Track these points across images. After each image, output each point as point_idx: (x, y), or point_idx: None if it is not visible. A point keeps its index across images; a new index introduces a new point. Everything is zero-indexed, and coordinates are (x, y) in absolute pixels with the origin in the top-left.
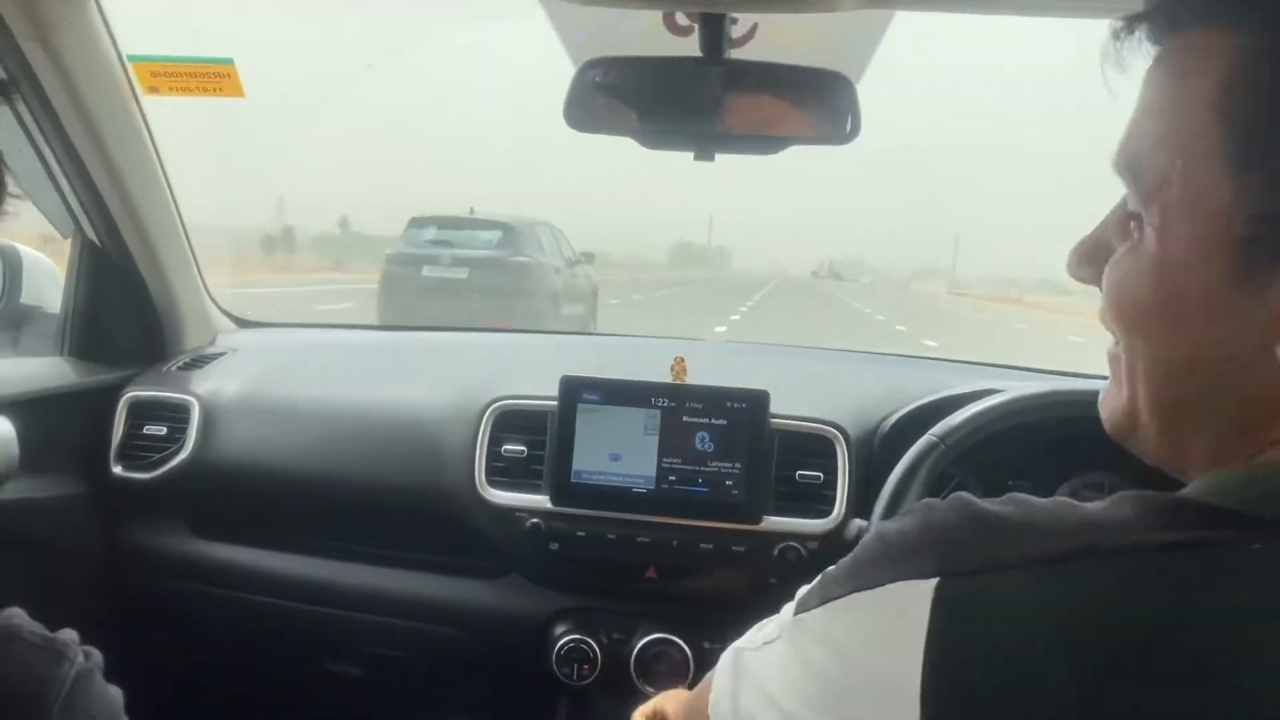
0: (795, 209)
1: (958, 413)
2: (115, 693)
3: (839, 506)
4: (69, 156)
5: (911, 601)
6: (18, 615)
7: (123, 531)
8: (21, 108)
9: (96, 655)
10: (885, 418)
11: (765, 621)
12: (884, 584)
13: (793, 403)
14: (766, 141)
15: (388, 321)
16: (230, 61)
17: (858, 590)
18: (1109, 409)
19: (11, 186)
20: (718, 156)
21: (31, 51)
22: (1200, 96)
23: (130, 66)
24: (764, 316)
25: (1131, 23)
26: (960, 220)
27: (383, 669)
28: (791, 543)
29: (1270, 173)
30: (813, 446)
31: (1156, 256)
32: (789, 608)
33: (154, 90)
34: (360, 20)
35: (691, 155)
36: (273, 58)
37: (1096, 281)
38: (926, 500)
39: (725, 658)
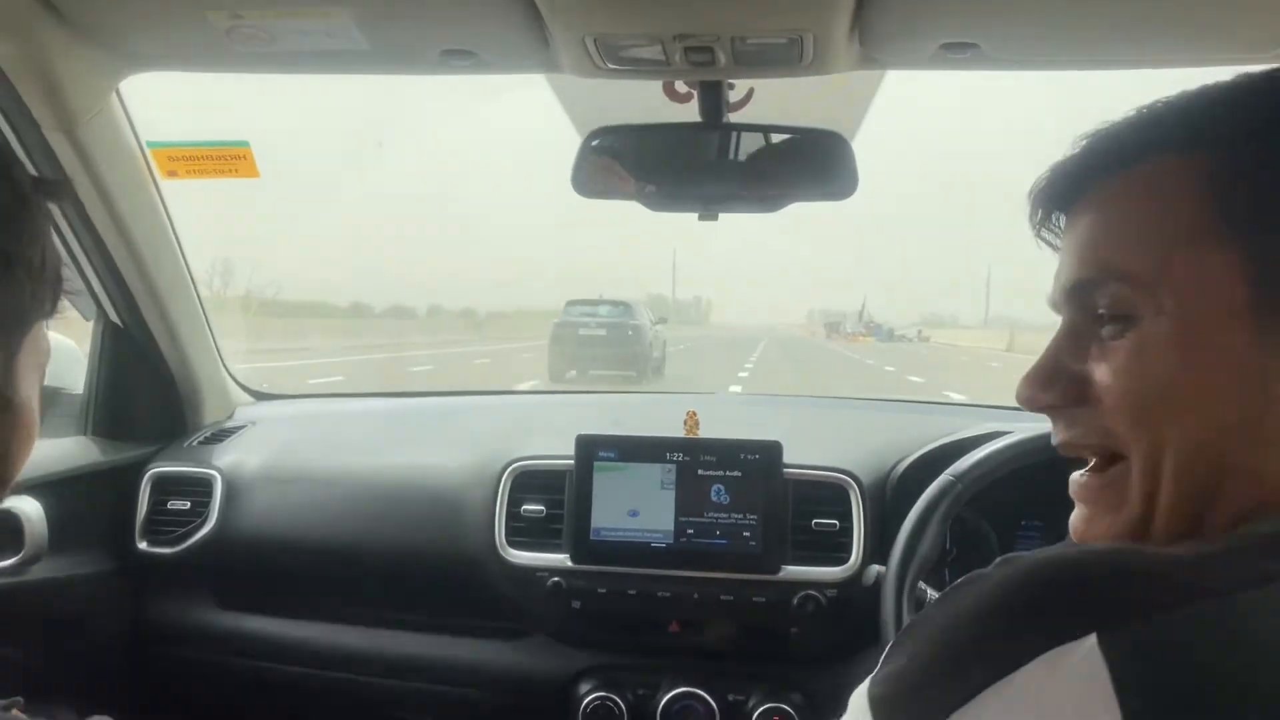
0: (769, 257)
1: (971, 454)
2: None
3: (856, 553)
4: (92, 241)
5: (1077, 669)
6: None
7: (149, 606)
8: None
9: None
10: (897, 463)
11: None
12: (1025, 661)
13: (805, 452)
14: (767, 200)
15: (556, 367)
16: (246, 144)
17: (991, 681)
18: (1101, 535)
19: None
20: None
21: (57, 142)
22: (1187, 201)
23: (149, 153)
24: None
25: (1048, 204)
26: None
27: None
28: (811, 591)
29: (1268, 241)
30: (827, 494)
31: (1177, 336)
32: None
33: (172, 174)
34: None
35: (696, 216)
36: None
37: (1061, 401)
38: (990, 568)
39: None
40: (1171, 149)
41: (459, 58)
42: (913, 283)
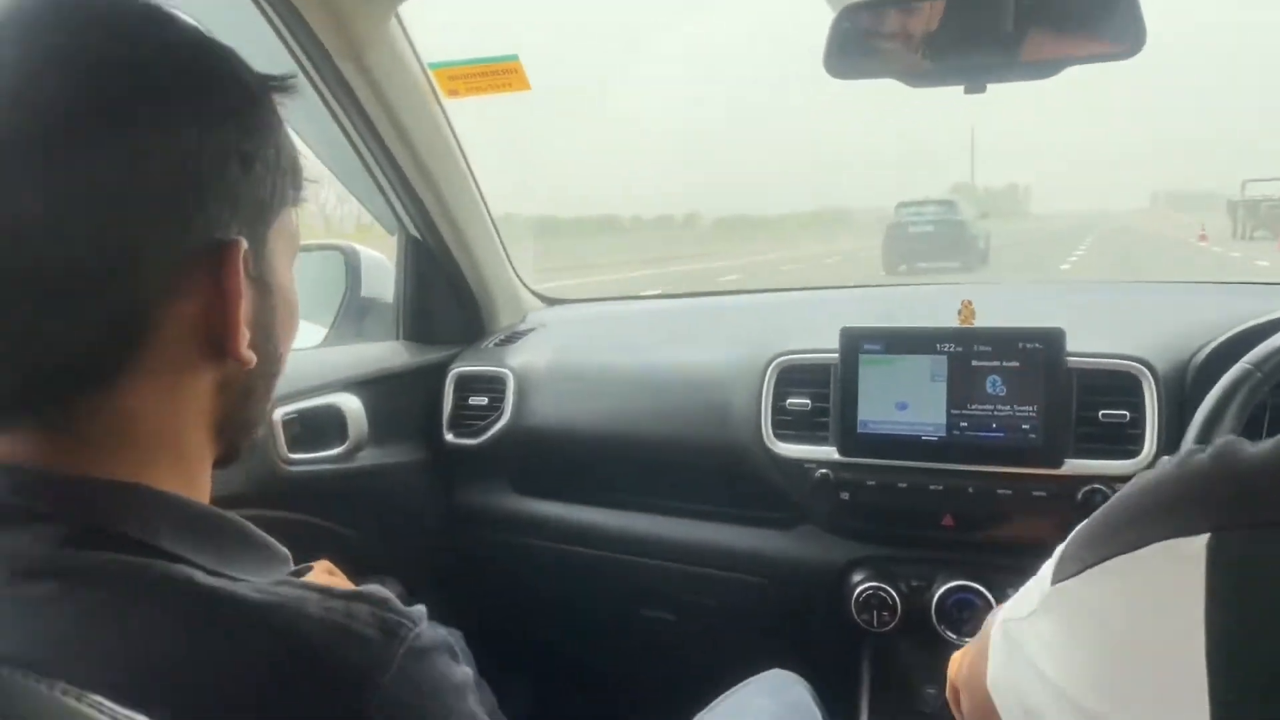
0: (1094, 131)
1: (1275, 337)
2: (458, 674)
3: (1149, 446)
4: (388, 161)
5: (1182, 562)
6: (374, 591)
7: (457, 492)
8: (344, 120)
9: (439, 634)
10: (1199, 350)
11: (1027, 586)
12: (1147, 543)
13: (1092, 339)
14: (1040, 65)
15: (889, 261)
16: (515, 58)
17: (1119, 553)
18: None
19: (342, 190)
20: (989, 87)
21: (347, 70)
22: None
23: (431, 74)
24: None
25: None
26: None
27: (694, 613)
28: (1098, 485)
29: None
30: (1117, 384)
31: None
32: (1046, 572)
33: (454, 93)
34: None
35: (961, 89)
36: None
37: None
38: (1188, 448)
39: (995, 629)
40: None
41: None
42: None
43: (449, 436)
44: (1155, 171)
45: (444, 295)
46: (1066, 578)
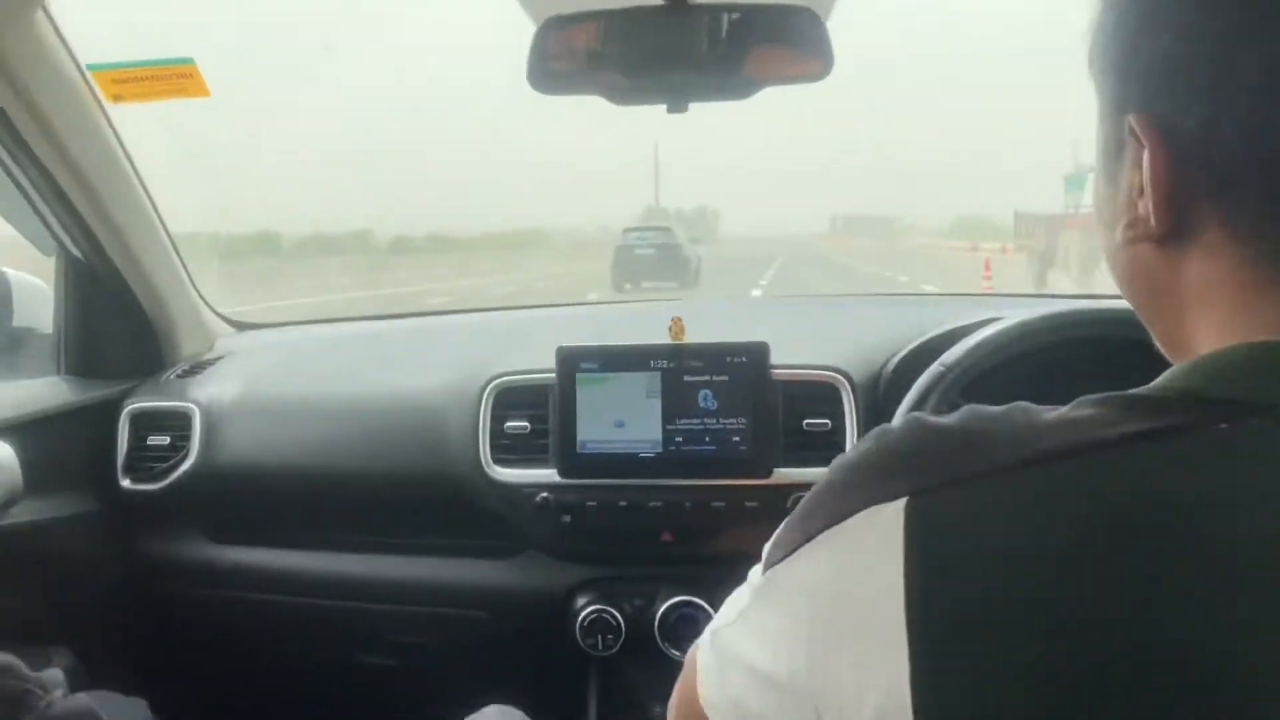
0: (775, 157)
1: (965, 340)
2: None
3: None
4: (39, 173)
5: (882, 525)
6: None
7: (140, 543)
8: None
9: (78, 701)
10: (890, 357)
11: (737, 592)
12: (851, 513)
13: (794, 352)
14: (739, 86)
15: (616, 281)
16: (191, 61)
17: (825, 528)
18: None
19: None
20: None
21: None
22: None
23: (91, 76)
24: None
25: None
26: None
27: (414, 656)
28: (804, 493)
29: (1112, 73)
30: (818, 394)
31: None
32: (757, 569)
33: (118, 98)
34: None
35: (664, 108)
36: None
37: None
38: (881, 426)
39: (704, 640)
40: None
41: None
42: (940, 180)
43: (126, 482)
44: (830, 197)
45: (115, 323)
46: (776, 563)
